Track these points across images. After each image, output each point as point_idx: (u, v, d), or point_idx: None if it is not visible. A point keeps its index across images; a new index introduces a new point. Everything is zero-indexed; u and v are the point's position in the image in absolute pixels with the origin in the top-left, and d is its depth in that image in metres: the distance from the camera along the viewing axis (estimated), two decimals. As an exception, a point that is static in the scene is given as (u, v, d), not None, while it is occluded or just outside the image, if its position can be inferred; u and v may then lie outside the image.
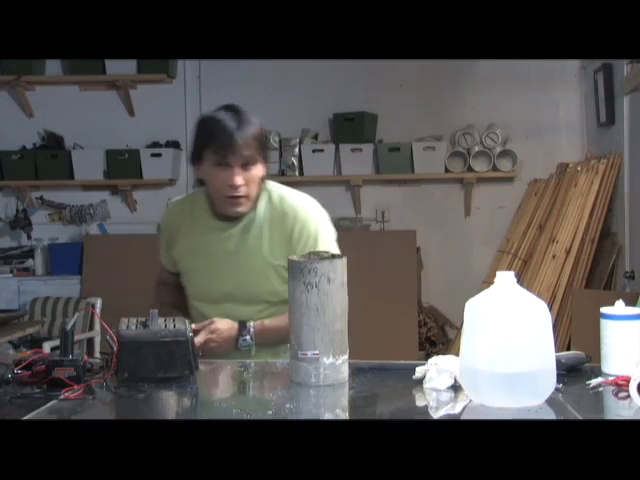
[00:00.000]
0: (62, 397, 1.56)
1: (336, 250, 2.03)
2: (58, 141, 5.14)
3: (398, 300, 4.64)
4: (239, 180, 1.97)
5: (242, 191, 1.99)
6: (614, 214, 4.31)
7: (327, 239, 2.07)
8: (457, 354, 1.56)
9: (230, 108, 2.03)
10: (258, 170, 2.01)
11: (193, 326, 1.94)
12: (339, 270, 1.67)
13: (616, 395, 1.54)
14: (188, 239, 2.13)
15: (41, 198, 5.17)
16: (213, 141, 1.98)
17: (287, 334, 1.82)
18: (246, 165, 1.98)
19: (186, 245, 2.14)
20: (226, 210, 2.05)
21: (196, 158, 2.05)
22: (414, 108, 5.04)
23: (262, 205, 2.08)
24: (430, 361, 1.65)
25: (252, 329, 2.01)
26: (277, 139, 4.99)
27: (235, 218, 2.07)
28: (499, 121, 4.99)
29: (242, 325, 2.01)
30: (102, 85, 5.16)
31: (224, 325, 2.00)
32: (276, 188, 2.12)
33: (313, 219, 2.07)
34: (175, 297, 2.23)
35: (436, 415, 1.52)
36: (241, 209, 2.04)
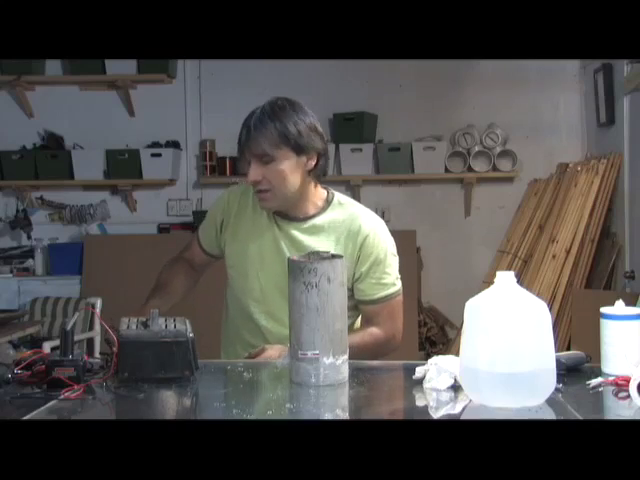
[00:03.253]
0: (62, 397, 1.56)
1: (397, 274, 2.06)
2: (58, 141, 5.14)
3: (398, 300, 4.64)
4: (252, 176, 1.94)
5: (263, 186, 1.95)
6: (614, 214, 4.32)
7: (394, 265, 2.06)
8: (457, 354, 1.56)
9: (271, 100, 1.98)
10: (282, 164, 1.93)
11: (246, 354, 1.95)
12: (339, 270, 1.67)
13: (616, 395, 1.54)
14: (245, 232, 2.06)
15: (41, 198, 5.17)
16: (239, 138, 1.97)
17: (363, 357, 1.87)
18: (263, 160, 1.93)
19: (242, 234, 2.07)
20: (259, 204, 2.02)
21: (239, 155, 2.03)
22: (414, 108, 5.05)
23: (332, 214, 2.04)
24: (430, 361, 1.65)
25: None
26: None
27: (297, 218, 2.03)
28: (499, 121, 4.99)
29: None
30: (102, 85, 5.16)
31: (275, 352, 1.92)
32: (346, 200, 2.09)
33: (384, 244, 2.04)
34: (185, 278, 2.19)
35: (436, 415, 1.52)
36: (266, 205, 2.00)
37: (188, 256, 2.23)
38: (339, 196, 2.09)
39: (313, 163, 1.98)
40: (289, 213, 2.03)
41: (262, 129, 1.92)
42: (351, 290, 2.01)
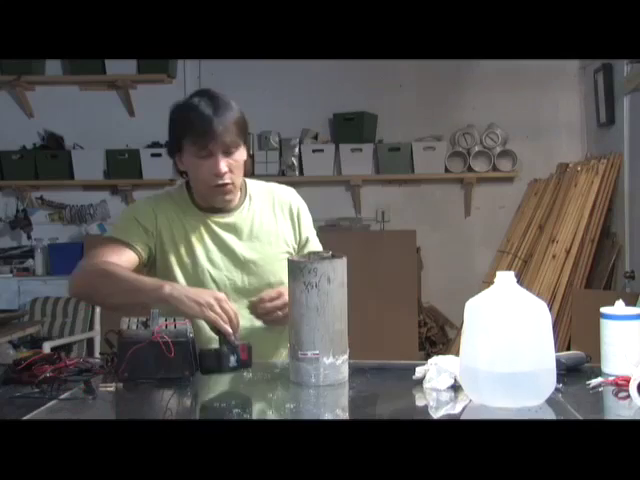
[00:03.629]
0: (62, 397, 1.56)
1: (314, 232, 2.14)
2: (58, 141, 5.14)
3: (398, 300, 4.64)
4: (223, 167, 1.91)
5: (227, 178, 1.93)
6: (614, 214, 4.32)
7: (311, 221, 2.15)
8: (457, 354, 1.56)
9: (204, 93, 1.96)
10: (241, 154, 1.96)
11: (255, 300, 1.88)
12: (339, 270, 1.67)
13: (616, 395, 1.54)
14: (184, 237, 1.99)
15: (41, 198, 5.17)
16: (191, 131, 1.91)
17: None
18: (228, 151, 1.92)
19: (183, 244, 1.99)
20: (215, 201, 1.98)
21: (175, 150, 2.00)
22: (414, 108, 5.05)
23: (255, 192, 2.08)
24: (430, 361, 1.65)
25: None
26: (277, 139, 4.99)
27: (227, 209, 2.02)
28: (499, 121, 4.99)
29: None
30: (102, 85, 5.16)
31: (276, 293, 1.90)
32: (254, 180, 2.13)
33: (304, 203, 2.14)
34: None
35: (436, 415, 1.52)
36: (229, 197, 1.98)
37: (122, 264, 1.94)
38: (247, 179, 2.11)
39: (247, 156, 2.02)
40: (218, 206, 2.01)
41: (229, 118, 1.91)
42: None
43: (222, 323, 1.71)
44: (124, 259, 1.94)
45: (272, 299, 1.89)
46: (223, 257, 2.00)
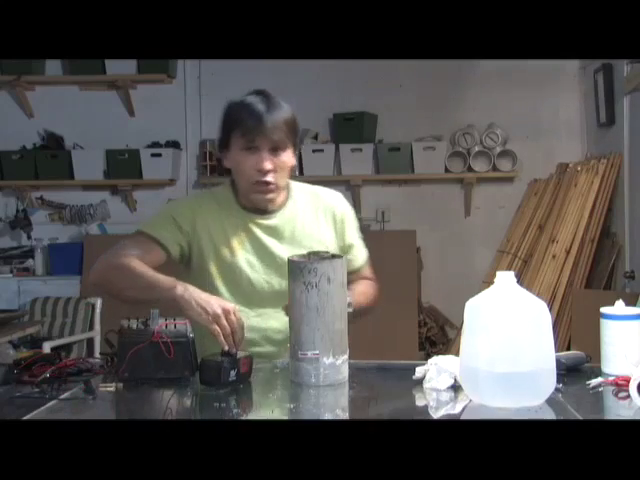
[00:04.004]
0: (62, 397, 1.56)
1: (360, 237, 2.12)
2: (58, 141, 5.14)
3: (398, 300, 4.64)
4: (268, 164, 1.89)
5: (271, 177, 1.91)
6: (614, 214, 4.31)
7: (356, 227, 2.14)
8: (457, 354, 1.56)
9: (259, 92, 1.97)
10: (288, 157, 1.93)
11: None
12: (339, 270, 1.67)
13: (616, 395, 1.54)
14: (223, 237, 1.97)
15: (41, 198, 5.17)
16: (241, 124, 1.90)
17: (368, 307, 1.98)
18: (275, 150, 1.90)
19: (222, 243, 1.97)
20: (255, 199, 1.96)
21: (223, 144, 1.97)
22: (414, 108, 5.04)
23: (297, 197, 2.05)
24: (430, 361, 1.65)
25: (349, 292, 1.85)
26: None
27: (266, 210, 1.99)
28: (499, 121, 4.99)
29: None
30: (102, 85, 5.16)
31: None
32: (301, 183, 2.11)
33: (350, 208, 2.13)
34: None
35: (436, 415, 1.52)
36: (270, 197, 1.95)
37: (144, 260, 1.92)
38: (292, 182, 2.09)
39: (295, 159, 2.00)
40: (262, 207, 1.99)
41: (280, 116, 1.91)
42: None
43: (222, 338, 1.69)
44: (149, 255, 1.93)
45: None
46: (261, 259, 1.98)
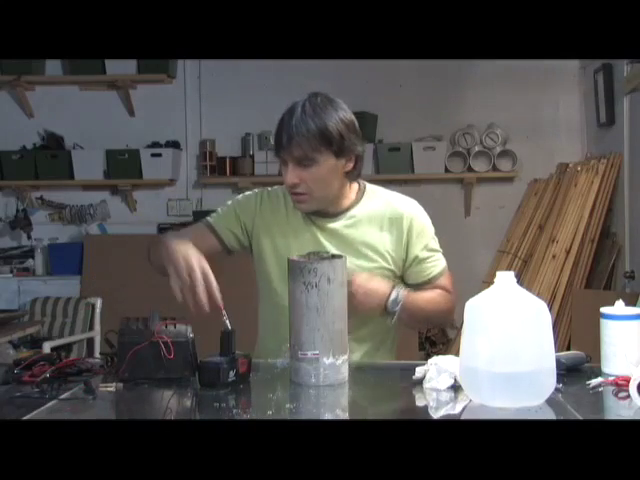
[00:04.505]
0: (62, 397, 1.56)
1: (438, 247, 2.07)
2: (58, 141, 5.14)
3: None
4: (291, 178, 1.87)
5: (300, 189, 1.89)
6: (614, 214, 4.31)
7: (433, 237, 2.08)
8: (457, 354, 1.56)
9: (308, 97, 1.91)
10: (322, 168, 1.87)
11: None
12: (339, 270, 1.67)
13: (616, 395, 1.54)
14: (282, 235, 1.99)
15: (41, 198, 5.17)
16: (274, 136, 1.91)
17: (434, 316, 1.99)
18: (301, 163, 1.87)
19: (280, 241, 1.99)
20: (295, 205, 1.97)
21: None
22: (414, 108, 5.05)
23: (368, 203, 2.01)
24: (430, 361, 1.65)
25: (401, 291, 1.89)
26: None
27: (332, 213, 1.98)
28: (499, 121, 4.99)
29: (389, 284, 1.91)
30: (102, 85, 5.16)
31: (369, 276, 1.88)
32: (377, 188, 2.07)
33: (429, 224, 2.07)
34: None
35: (436, 415, 1.52)
36: (303, 207, 1.94)
37: (195, 244, 1.93)
38: (370, 185, 2.07)
39: (351, 165, 1.94)
40: (324, 210, 1.98)
41: (304, 131, 1.84)
42: (401, 278, 2.00)
43: (177, 291, 1.71)
44: (200, 239, 1.96)
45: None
46: None
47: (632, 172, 4.12)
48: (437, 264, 2.05)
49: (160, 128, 5.12)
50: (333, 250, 1.90)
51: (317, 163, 1.87)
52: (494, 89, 5.00)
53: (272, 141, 2.04)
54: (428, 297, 1.98)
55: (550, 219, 4.45)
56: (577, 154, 4.91)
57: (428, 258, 2.02)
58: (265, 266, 2.01)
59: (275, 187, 2.08)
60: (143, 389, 1.64)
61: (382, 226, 1.99)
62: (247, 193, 2.09)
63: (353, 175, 1.97)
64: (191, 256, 1.77)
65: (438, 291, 2.02)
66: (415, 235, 2.00)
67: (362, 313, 1.86)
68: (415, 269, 2.01)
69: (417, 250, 2.00)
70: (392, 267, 1.97)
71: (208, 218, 2.05)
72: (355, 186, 2.03)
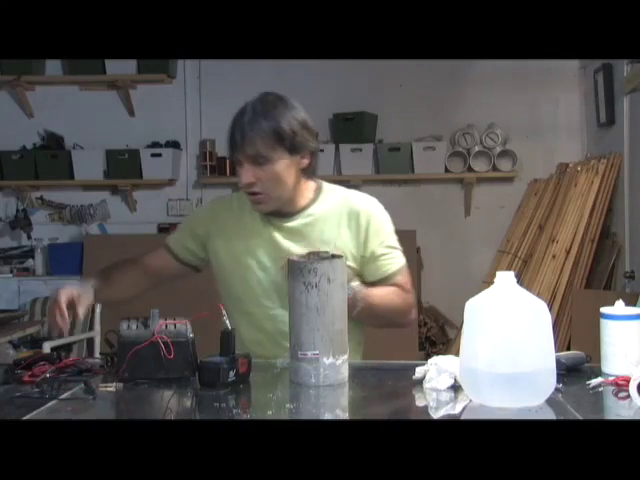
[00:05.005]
0: (62, 397, 1.56)
1: (397, 245, 2.06)
2: (58, 141, 5.14)
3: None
4: (246, 178, 1.89)
5: (256, 188, 1.90)
6: (614, 214, 4.31)
7: (392, 234, 2.07)
8: (457, 354, 1.56)
9: (259, 97, 1.94)
10: (277, 166, 1.88)
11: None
12: (339, 270, 1.67)
13: (616, 395, 1.54)
14: (238, 237, 2.01)
15: (41, 198, 5.17)
16: (228, 137, 1.92)
17: (388, 312, 1.96)
18: (256, 162, 1.88)
19: (236, 244, 2.01)
20: (252, 206, 1.98)
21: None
22: (414, 108, 5.04)
23: (325, 201, 2.02)
24: (430, 361, 1.65)
25: (352, 284, 1.89)
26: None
27: (290, 213, 1.99)
28: (499, 121, 4.99)
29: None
30: (102, 85, 5.16)
31: None
32: (334, 186, 2.08)
33: (387, 221, 2.06)
34: (132, 283, 2.14)
35: (436, 415, 1.52)
36: (259, 207, 1.95)
37: (148, 262, 2.14)
38: (327, 184, 2.08)
39: (306, 162, 1.96)
40: (281, 210, 1.99)
41: (257, 129, 1.86)
42: (360, 275, 1.99)
43: (51, 324, 1.91)
44: (154, 257, 2.14)
45: None
46: (274, 261, 1.97)
47: (632, 172, 4.11)
48: (394, 262, 2.03)
49: (160, 128, 5.12)
50: (292, 249, 1.93)
51: (272, 161, 1.88)
52: (494, 89, 5.00)
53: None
54: (382, 293, 1.98)
55: (550, 219, 4.45)
56: (577, 154, 4.91)
57: (385, 255, 2.01)
58: (224, 271, 2.04)
59: (228, 195, 2.14)
60: (143, 389, 1.64)
61: (340, 223, 1.99)
62: (200, 207, 2.17)
63: (309, 172, 1.99)
64: (59, 294, 1.93)
65: (393, 288, 2.01)
66: (373, 231, 2.00)
67: None
68: (372, 265, 2.00)
69: (374, 246, 1.99)
70: (351, 264, 1.95)
71: (167, 238, 2.14)
72: (312, 185, 2.04)
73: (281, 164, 1.90)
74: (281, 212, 1.99)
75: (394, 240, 2.06)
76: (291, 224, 1.99)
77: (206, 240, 2.06)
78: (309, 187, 2.03)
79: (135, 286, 2.16)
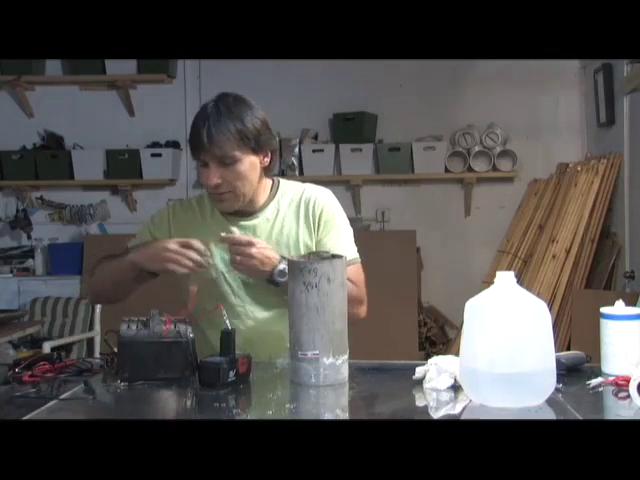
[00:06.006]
0: (62, 397, 1.56)
1: (351, 239, 2.06)
2: (58, 141, 5.14)
3: (398, 300, 4.64)
4: (214, 179, 1.91)
5: (223, 188, 1.93)
6: (614, 214, 4.31)
7: (350, 233, 2.08)
8: (457, 354, 1.56)
9: (219, 98, 1.95)
10: (242, 165, 1.91)
11: (224, 235, 1.89)
12: (339, 270, 1.67)
13: (616, 395, 1.54)
14: (201, 238, 1.97)
15: (41, 198, 5.17)
16: (190, 138, 1.93)
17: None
18: (223, 162, 1.90)
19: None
20: (217, 207, 2.02)
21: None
22: (414, 108, 5.05)
23: (283, 196, 2.05)
24: (430, 361, 1.65)
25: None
26: (277, 139, 4.98)
27: (250, 212, 2.02)
28: (499, 121, 4.99)
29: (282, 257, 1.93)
30: (102, 85, 5.16)
31: (268, 245, 1.92)
32: (289, 181, 2.11)
33: (339, 211, 2.08)
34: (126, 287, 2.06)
35: (436, 415, 1.52)
36: (225, 207, 1.99)
37: (117, 272, 2.03)
38: (283, 180, 2.11)
39: (268, 160, 1.99)
40: (242, 209, 2.01)
41: (223, 130, 1.87)
42: None
43: (177, 267, 1.83)
44: (123, 267, 2.00)
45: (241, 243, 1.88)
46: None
47: (632, 172, 4.12)
48: (345, 253, 1.96)
49: (160, 128, 5.12)
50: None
51: (239, 161, 1.91)
52: (494, 89, 5.01)
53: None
54: None
55: (550, 219, 4.45)
56: (577, 154, 4.92)
57: (335, 245, 2.00)
58: (190, 278, 1.98)
59: (186, 199, 2.15)
60: (143, 389, 1.64)
61: (298, 216, 2.03)
62: (157, 212, 2.15)
63: (269, 170, 2.02)
64: (167, 243, 1.89)
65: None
66: (324, 221, 2.02)
67: (250, 275, 1.93)
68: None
69: (323, 235, 2.02)
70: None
71: (128, 244, 2.10)
72: (269, 182, 2.08)
73: (246, 163, 1.93)
74: (242, 211, 2.02)
75: (348, 233, 2.08)
76: (252, 222, 2.03)
77: None
78: (267, 185, 2.07)
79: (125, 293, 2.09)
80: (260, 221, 2.03)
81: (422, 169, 5.00)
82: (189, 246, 1.85)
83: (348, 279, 1.96)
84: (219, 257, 2.00)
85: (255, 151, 1.93)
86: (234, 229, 2.02)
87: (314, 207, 2.04)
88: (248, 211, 2.03)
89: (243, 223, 2.03)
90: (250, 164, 1.94)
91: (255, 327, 2.00)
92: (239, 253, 1.88)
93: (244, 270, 1.91)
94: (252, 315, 2.01)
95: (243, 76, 4.92)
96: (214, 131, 1.87)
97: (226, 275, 2.01)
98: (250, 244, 1.88)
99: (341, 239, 2.04)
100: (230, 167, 1.91)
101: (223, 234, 1.93)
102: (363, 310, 2.07)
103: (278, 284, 1.90)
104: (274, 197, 2.06)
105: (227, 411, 1.51)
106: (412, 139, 5.02)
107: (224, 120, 1.89)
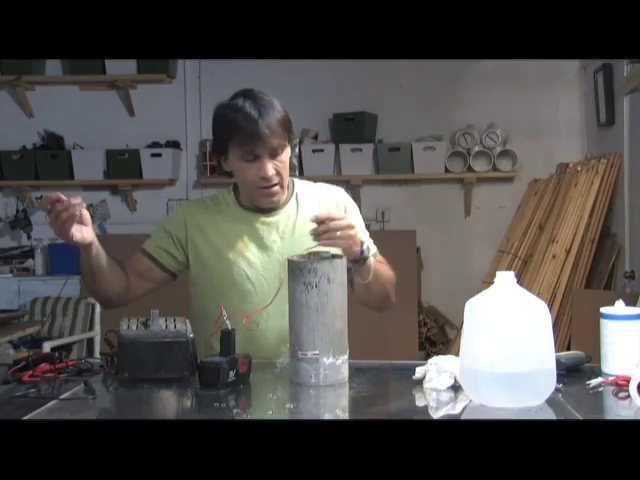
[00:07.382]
0: (62, 397, 1.56)
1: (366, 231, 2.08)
2: (58, 141, 5.14)
3: (398, 300, 4.62)
4: (271, 170, 1.90)
5: (275, 180, 1.93)
6: (614, 214, 4.31)
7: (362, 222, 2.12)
8: (457, 354, 1.56)
9: (248, 93, 1.96)
10: (287, 154, 1.94)
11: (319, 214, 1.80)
12: (339, 270, 1.67)
13: (616, 395, 1.54)
14: (220, 236, 2.00)
15: (41, 198, 5.17)
16: (237, 133, 1.89)
17: (387, 282, 2.02)
18: (275, 153, 1.91)
19: (218, 243, 2.00)
20: (261, 202, 1.99)
21: (220, 151, 1.97)
22: (414, 108, 5.05)
23: (299, 192, 2.06)
24: (430, 361, 1.65)
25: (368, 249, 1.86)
26: None
27: (272, 208, 2.02)
28: (499, 121, 4.99)
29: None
30: (102, 85, 5.16)
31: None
32: (303, 180, 2.13)
33: (352, 202, 2.14)
34: (119, 280, 2.01)
35: (436, 415, 1.52)
36: (276, 198, 1.98)
37: (131, 266, 2.04)
38: (294, 178, 2.12)
39: (292, 148, 2.02)
40: (263, 205, 2.01)
41: (273, 120, 1.89)
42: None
43: (57, 223, 1.73)
44: (140, 266, 2.04)
45: (333, 219, 1.79)
46: (261, 256, 1.99)
47: (632, 172, 4.11)
48: (371, 245, 2.00)
49: (160, 128, 5.12)
50: (277, 242, 1.98)
51: (285, 150, 1.94)
52: (494, 89, 5.01)
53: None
54: (380, 263, 2.02)
55: (550, 219, 4.45)
56: (577, 154, 4.92)
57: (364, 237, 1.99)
58: (207, 267, 2.01)
59: (205, 196, 2.14)
60: (143, 389, 1.64)
61: (319, 209, 2.03)
62: (173, 211, 2.13)
63: (292, 165, 2.06)
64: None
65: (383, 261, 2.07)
66: (349, 215, 2.03)
67: (345, 251, 1.81)
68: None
69: None
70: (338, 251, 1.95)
71: (143, 244, 2.07)
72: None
73: (288, 153, 1.96)
74: (261, 208, 2.02)
75: (364, 229, 2.11)
76: (274, 218, 2.02)
77: (186, 243, 2.03)
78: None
79: (120, 284, 2.02)
80: (282, 217, 2.02)
81: (422, 169, 5.00)
82: (54, 202, 1.74)
83: (382, 263, 2.06)
84: (242, 257, 1.98)
85: (289, 141, 1.96)
86: (258, 225, 2.01)
87: (337, 204, 2.06)
88: (267, 207, 2.01)
89: (265, 219, 2.01)
90: (288, 153, 1.96)
91: (276, 327, 1.92)
92: (339, 228, 1.78)
93: (340, 244, 1.79)
94: (273, 315, 1.91)
95: (243, 76, 4.91)
96: (269, 121, 1.88)
97: (248, 273, 1.98)
98: (350, 226, 1.80)
99: (365, 234, 2.05)
100: (279, 157, 1.92)
101: (317, 214, 1.84)
102: (393, 301, 2.14)
103: (366, 259, 1.86)
104: (292, 194, 2.06)
105: (227, 411, 1.51)
106: (412, 139, 5.02)
107: (270, 111, 1.90)
